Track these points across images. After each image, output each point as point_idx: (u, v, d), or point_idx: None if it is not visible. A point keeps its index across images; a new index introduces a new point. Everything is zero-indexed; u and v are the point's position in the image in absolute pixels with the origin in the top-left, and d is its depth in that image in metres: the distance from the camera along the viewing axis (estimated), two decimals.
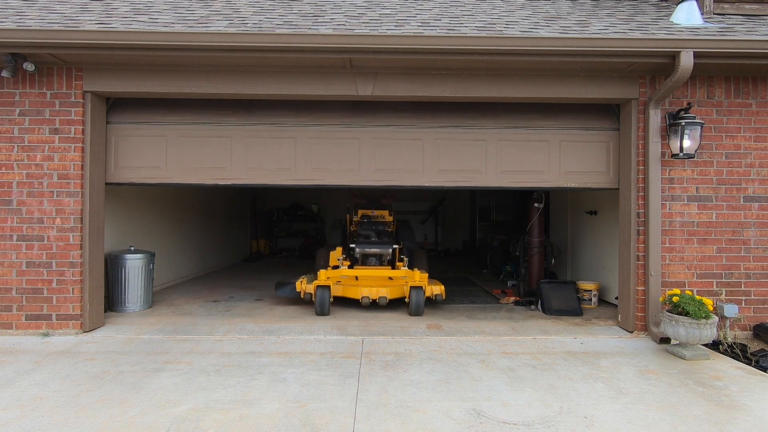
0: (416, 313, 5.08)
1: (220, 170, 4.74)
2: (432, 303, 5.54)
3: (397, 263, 6.05)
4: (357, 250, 5.99)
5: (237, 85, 4.44)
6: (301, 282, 5.46)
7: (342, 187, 4.91)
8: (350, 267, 5.92)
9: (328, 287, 5.16)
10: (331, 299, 5.22)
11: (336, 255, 6.08)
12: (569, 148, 4.80)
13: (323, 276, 5.40)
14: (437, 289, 5.37)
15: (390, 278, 5.69)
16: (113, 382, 3.24)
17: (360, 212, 6.82)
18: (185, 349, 3.99)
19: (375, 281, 5.59)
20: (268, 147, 4.76)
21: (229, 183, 4.76)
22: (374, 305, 5.32)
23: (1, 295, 4.35)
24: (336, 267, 5.80)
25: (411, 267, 5.91)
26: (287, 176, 4.78)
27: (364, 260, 6.17)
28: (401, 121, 4.80)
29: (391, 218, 6.73)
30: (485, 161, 4.80)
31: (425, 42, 4.05)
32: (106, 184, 4.69)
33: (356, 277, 5.70)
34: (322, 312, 5.04)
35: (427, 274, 5.63)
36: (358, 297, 5.20)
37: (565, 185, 4.81)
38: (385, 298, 5.17)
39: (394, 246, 6.02)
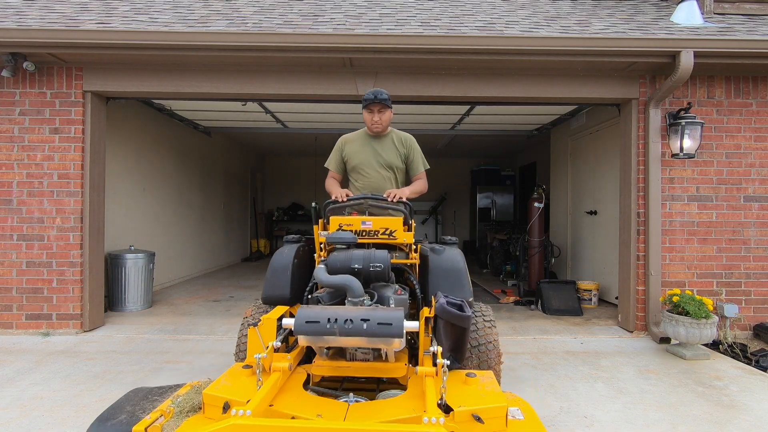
0: None
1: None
2: None
3: (422, 360, 2.20)
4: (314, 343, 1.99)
5: (237, 84, 4.43)
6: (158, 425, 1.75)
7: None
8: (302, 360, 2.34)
9: None
10: None
11: (266, 335, 2.17)
12: None
13: None
14: None
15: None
16: (113, 381, 3.24)
17: (335, 221, 2.69)
18: (185, 348, 3.99)
19: None
20: None
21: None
22: None
23: (2, 294, 4.36)
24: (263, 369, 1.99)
25: (457, 364, 2.20)
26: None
27: (336, 354, 2.29)
28: None
29: (410, 237, 2.72)
30: None
31: (425, 42, 4.05)
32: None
33: None
34: None
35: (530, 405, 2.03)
36: None
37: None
38: None
39: (415, 325, 1.99)
